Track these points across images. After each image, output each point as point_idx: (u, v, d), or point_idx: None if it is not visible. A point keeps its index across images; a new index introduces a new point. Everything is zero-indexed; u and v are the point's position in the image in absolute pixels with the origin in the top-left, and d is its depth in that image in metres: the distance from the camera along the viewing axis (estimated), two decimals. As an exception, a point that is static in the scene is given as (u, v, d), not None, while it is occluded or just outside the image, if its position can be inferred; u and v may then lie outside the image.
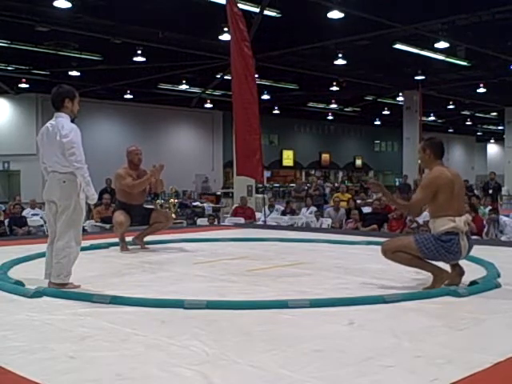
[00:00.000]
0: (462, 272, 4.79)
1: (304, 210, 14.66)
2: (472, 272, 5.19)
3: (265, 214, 12.21)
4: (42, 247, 6.47)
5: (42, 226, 13.10)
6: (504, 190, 22.04)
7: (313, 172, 36.48)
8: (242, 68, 10.10)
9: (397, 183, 26.47)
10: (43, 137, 4.79)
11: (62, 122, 4.70)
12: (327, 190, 22.97)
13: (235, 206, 15.03)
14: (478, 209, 11.86)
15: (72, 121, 4.81)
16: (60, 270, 4.62)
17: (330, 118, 33.76)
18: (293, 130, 35.56)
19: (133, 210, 7.21)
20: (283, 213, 14.39)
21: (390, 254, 4.73)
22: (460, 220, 4.56)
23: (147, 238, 7.57)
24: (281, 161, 35.18)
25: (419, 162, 4.93)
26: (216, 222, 13.11)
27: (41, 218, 13.49)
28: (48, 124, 4.80)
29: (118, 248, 7.16)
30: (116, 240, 7.31)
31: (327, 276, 5.36)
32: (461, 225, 4.55)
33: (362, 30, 15.11)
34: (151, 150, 19.28)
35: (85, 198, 4.78)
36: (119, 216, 7.11)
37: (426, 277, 4.87)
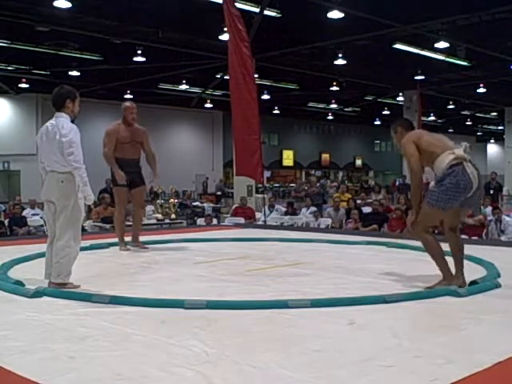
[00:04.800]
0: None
1: (304, 209, 14.66)
2: (472, 272, 5.19)
3: (265, 213, 12.20)
4: (42, 247, 6.48)
5: (42, 226, 13.09)
6: (504, 190, 22.01)
7: (313, 172, 36.52)
8: (241, 68, 10.08)
9: (397, 183, 26.44)
10: (42, 136, 4.79)
11: (62, 121, 4.71)
12: (332, 190, 23.02)
13: (235, 206, 15.03)
14: (486, 208, 11.91)
15: (72, 121, 4.81)
16: (60, 270, 4.62)
17: (330, 117, 33.76)
18: (293, 130, 35.57)
19: (128, 166, 7.11)
20: (286, 213, 14.40)
21: (419, 235, 4.68)
22: (459, 150, 4.47)
23: (147, 238, 7.57)
24: (281, 161, 35.20)
25: (397, 145, 5.01)
26: (216, 222, 13.11)
27: (41, 217, 13.48)
28: (48, 123, 4.81)
29: (117, 248, 7.16)
30: (116, 240, 7.31)
31: (327, 276, 5.36)
32: (461, 152, 4.44)
33: (362, 30, 15.12)
34: (151, 150, 19.25)
35: (83, 197, 4.78)
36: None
37: (425, 277, 4.87)
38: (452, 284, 4.52)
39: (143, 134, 7.36)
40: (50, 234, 4.88)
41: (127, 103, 7.43)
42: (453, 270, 4.69)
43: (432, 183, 4.71)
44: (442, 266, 4.61)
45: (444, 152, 4.48)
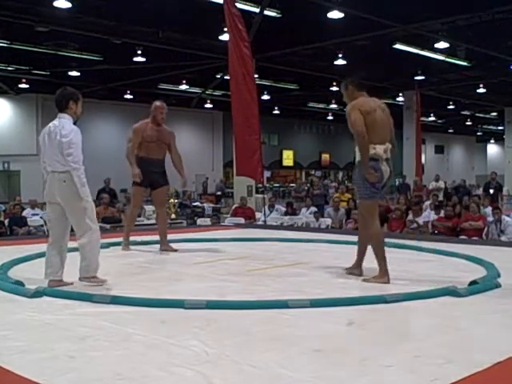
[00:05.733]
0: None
1: (304, 210, 14.66)
2: (472, 272, 5.19)
3: (265, 214, 12.21)
4: (42, 247, 6.46)
5: (42, 225, 13.08)
6: (504, 190, 22.01)
7: (313, 172, 36.53)
8: (241, 68, 10.08)
9: (396, 183, 26.44)
10: (45, 137, 4.86)
11: (63, 122, 4.79)
12: (332, 190, 23.02)
13: (235, 206, 15.03)
14: (485, 208, 11.92)
15: (74, 123, 4.88)
16: (89, 267, 4.76)
17: (329, 118, 33.74)
18: (293, 130, 35.56)
19: (152, 166, 6.99)
20: (285, 213, 14.40)
21: (369, 237, 5.13)
22: (380, 148, 4.93)
23: (147, 238, 7.56)
24: (281, 161, 35.18)
25: (346, 100, 5.23)
26: (216, 222, 13.11)
27: (41, 217, 13.48)
28: (50, 124, 4.89)
29: (118, 248, 7.15)
30: (116, 240, 7.31)
31: (327, 276, 5.36)
32: (381, 152, 4.93)
33: (362, 30, 15.11)
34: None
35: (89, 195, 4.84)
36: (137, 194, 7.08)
37: (425, 277, 4.87)
38: (382, 281, 4.88)
39: (170, 135, 7.25)
40: (51, 234, 4.91)
41: (157, 103, 7.25)
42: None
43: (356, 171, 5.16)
44: (380, 260, 4.95)
45: (370, 143, 4.90)
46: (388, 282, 4.87)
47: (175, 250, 7.13)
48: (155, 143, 7.05)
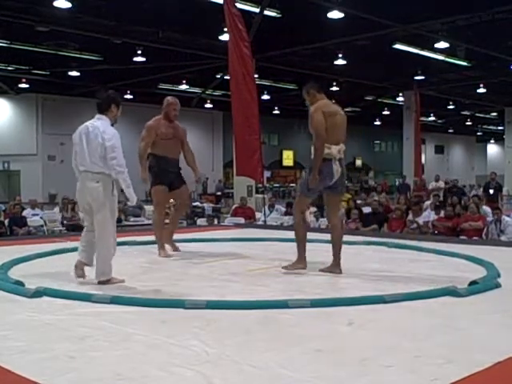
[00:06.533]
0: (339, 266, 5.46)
1: (304, 209, 14.63)
2: (472, 272, 5.20)
3: (265, 213, 12.20)
4: (42, 247, 6.50)
5: (42, 226, 13.11)
6: (504, 190, 22.00)
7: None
8: (241, 68, 10.08)
9: (396, 183, 26.41)
10: (82, 136, 4.89)
11: (104, 124, 4.87)
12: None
13: (235, 206, 15.03)
14: (480, 208, 11.89)
15: (111, 125, 4.97)
16: (104, 269, 4.85)
17: (330, 117, 33.72)
18: (293, 130, 35.53)
19: (170, 165, 6.87)
20: (286, 213, 14.38)
21: (296, 216, 5.64)
22: (335, 148, 5.35)
23: (147, 238, 7.56)
24: (281, 161, 35.16)
25: (309, 104, 5.53)
26: (216, 222, 13.12)
27: (41, 218, 13.51)
28: (88, 124, 4.92)
29: (118, 248, 7.11)
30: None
31: (327, 276, 5.37)
32: (335, 152, 5.36)
33: (362, 30, 15.11)
34: (151, 150, 19.21)
35: (117, 197, 4.95)
36: (159, 194, 6.84)
37: (425, 277, 4.87)
38: (297, 266, 5.46)
39: (184, 131, 7.16)
40: (88, 225, 5.05)
41: (170, 99, 7.12)
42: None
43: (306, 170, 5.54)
44: (299, 246, 5.54)
45: (325, 143, 5.26)
46: (304, 267, 5.44)
47: (177, 249, 7.10)
48: (172, 140, 6.89)
